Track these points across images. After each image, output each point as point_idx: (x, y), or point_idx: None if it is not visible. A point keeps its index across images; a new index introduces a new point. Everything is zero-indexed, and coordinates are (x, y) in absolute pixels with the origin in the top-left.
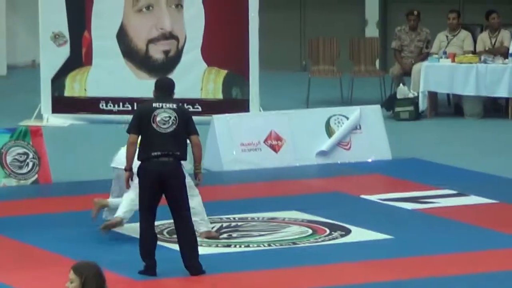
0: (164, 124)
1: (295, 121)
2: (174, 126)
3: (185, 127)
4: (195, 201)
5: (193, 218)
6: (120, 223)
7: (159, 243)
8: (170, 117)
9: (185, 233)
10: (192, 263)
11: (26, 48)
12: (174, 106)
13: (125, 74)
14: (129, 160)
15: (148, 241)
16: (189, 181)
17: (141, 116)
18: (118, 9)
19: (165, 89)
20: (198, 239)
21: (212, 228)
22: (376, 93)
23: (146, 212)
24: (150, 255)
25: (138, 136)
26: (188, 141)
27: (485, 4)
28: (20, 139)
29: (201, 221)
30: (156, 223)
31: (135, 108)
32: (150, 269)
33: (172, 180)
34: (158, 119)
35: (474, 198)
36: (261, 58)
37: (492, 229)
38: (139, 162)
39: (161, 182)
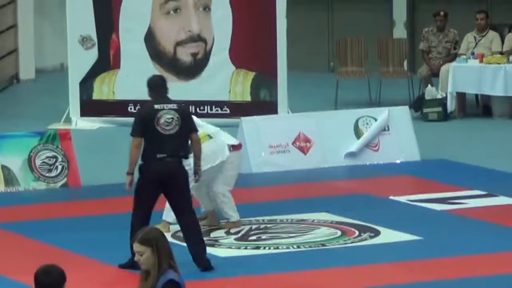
0: (167, 125)
1: (323, 122)
2: (177, 127)
3: (187, 126)
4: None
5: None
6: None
7: (182, 243)
8: (173, 118)
9: (192, 230)
10: (202, 258)
11: (54, 51)
12: (175, 106)
13: None
14: (132, 163)
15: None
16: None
17: (144, 119)
18: (146, 12)
19: (160, 88)
20: (228, 239)
21: (241, 230)
22: (404, 94)
23: (142, 212)
24: None
25: (142, 139)
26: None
27: None
28: (49, 142)
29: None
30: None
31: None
32: (135, 263)
33: (177, 180)
34: (161, 121)
35: (503, 199)
36: (289, 59)
37: None
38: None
39: (164, 183)
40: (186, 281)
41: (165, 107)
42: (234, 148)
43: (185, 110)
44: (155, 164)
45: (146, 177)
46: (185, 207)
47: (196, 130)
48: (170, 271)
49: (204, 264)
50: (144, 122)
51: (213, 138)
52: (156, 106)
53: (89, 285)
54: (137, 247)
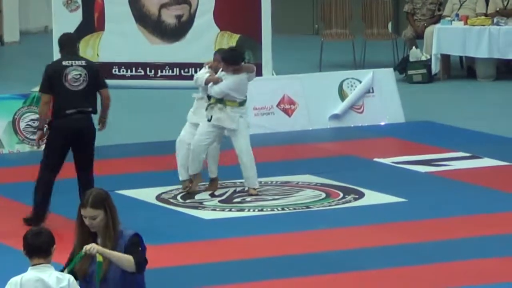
0: (75, 82)
1: (308, 84)
2: (85, 83)
3: (96, 82)
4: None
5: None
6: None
7: (173, 207)
8: (80, 75)
9: (90, 187)
10: None
11: (38, 13)
12: (83, 62)
13: (137, 39)
14: (41, 119)
15: (46, 192)
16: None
17: (51, 76)
18: None
19: (68, 45)
20: (212, 201)
21: (226, 192)
22: (389, 56)
23: (51, 167)
24: (44, 205)
25: (50, 96)
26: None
27: None
28: (33, 105)
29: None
30: (169, 187)
31: (148, 73)
32: (38, 218)
33: (86, 136)
34: (69, 77)
35: (487, 160)
36: (274, 22)
37: (505, 191)
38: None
39: (73, 138)
40: (172, 244)
41: (73, 64)
42: None
43: (93, 67)
44: (65, 121)
45: (56, 133)
46: (88, 163)
47: (106, 86)
48: (123, 228)
49: None
50: (51, 79)
51: None
52: (64, 63)
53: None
54: (89, 212)
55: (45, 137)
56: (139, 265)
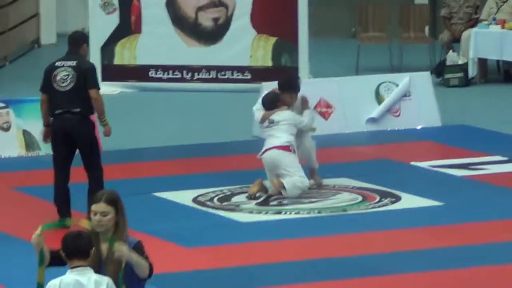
0: (63, 82)
1: (344, 88)
2: (72, 84)
3: (84, 83)
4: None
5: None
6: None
7: (210, 210)
8: (68, 75)
9: (100, 185)
10: None
11: (75, 16)
12: (74, 63)
13: (174, 42)
14: (43, 117)
15: (61, 194)
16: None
17: (46, 76)
18: None
19: (71, 44)
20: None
21: (262, 195)
22: (426, 60)
23: (59, 167)
24: (62, 207)
25: (45, 95)
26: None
27: None
28: None
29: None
30: (206, 190)
31: (184, 75)
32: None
33: (77, 136)
34: (58, 78)
35: None
36: (310, 25)
37: None
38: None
39: (69, 138)
40: (207, 247)
41: (64, 64)
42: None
43: (82, 66)
44: (56, 121)
45: (52, 133)
46: (92, 161)
47: (96, 87)
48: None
49: None
50: (46, 79)
51: None
52: (57, 63)
53: None
54: (102, 207)
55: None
56: (151, 271)
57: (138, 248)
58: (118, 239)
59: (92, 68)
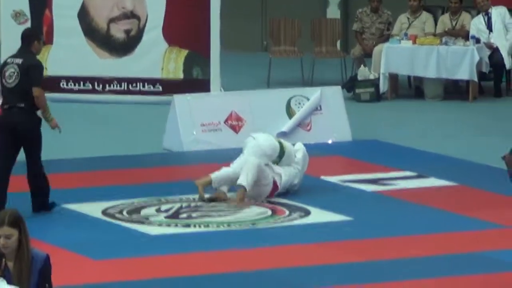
0: (9, 79)
1: (255, 101)
2: (16, 81)
3: (27, 80)
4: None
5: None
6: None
7: (118, 222)
8: (14, 72)
9: (34, 179)
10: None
11: None
12: (20, 61)
13: (86, 53)
14: None
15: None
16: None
17: None
18: None
19: (22, 42)
20: (158, 217)
21: (171, 208)
22: (337, 75)
23: (2, 159)
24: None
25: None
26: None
27: None
28: None
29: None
30: (116, 202)
31: (96, 87)
32: None
33: (19, 130)
34: (6, 74)
35: (434, 180)
36: (222, 38)
37: (451, 212)
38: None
39: (13, 132)
40: (115, 259)
41: (13, 61)
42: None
43: (25, 64)
44: (3, 115)
45: (0, 129)
46: (33, 156)
47: (37, 85)
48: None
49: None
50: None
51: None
52: (8, 60)
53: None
54: (6, 231)
55: None
56: None
57: (45, 269)
58: (23, 261)
59: (36, 65)
